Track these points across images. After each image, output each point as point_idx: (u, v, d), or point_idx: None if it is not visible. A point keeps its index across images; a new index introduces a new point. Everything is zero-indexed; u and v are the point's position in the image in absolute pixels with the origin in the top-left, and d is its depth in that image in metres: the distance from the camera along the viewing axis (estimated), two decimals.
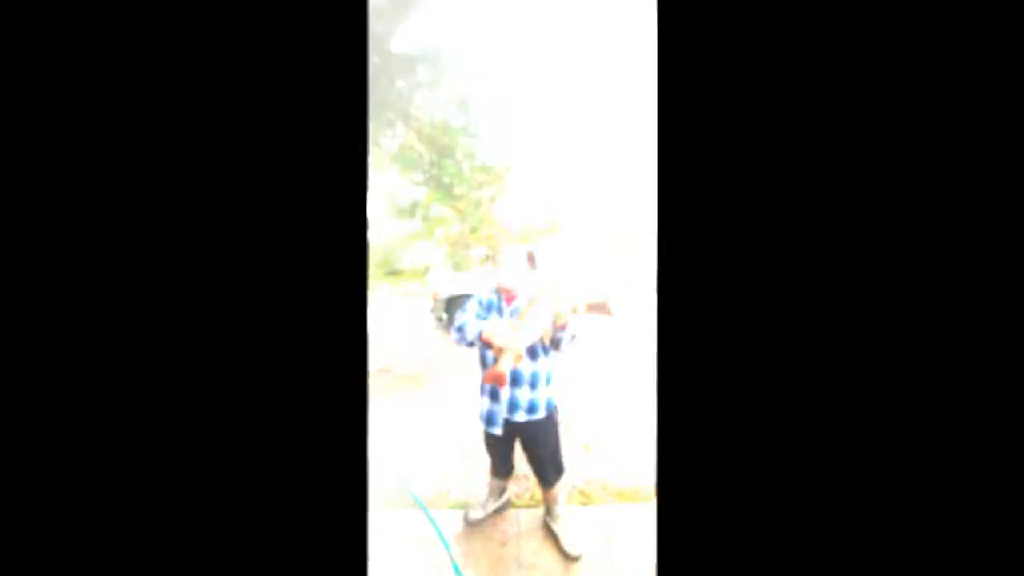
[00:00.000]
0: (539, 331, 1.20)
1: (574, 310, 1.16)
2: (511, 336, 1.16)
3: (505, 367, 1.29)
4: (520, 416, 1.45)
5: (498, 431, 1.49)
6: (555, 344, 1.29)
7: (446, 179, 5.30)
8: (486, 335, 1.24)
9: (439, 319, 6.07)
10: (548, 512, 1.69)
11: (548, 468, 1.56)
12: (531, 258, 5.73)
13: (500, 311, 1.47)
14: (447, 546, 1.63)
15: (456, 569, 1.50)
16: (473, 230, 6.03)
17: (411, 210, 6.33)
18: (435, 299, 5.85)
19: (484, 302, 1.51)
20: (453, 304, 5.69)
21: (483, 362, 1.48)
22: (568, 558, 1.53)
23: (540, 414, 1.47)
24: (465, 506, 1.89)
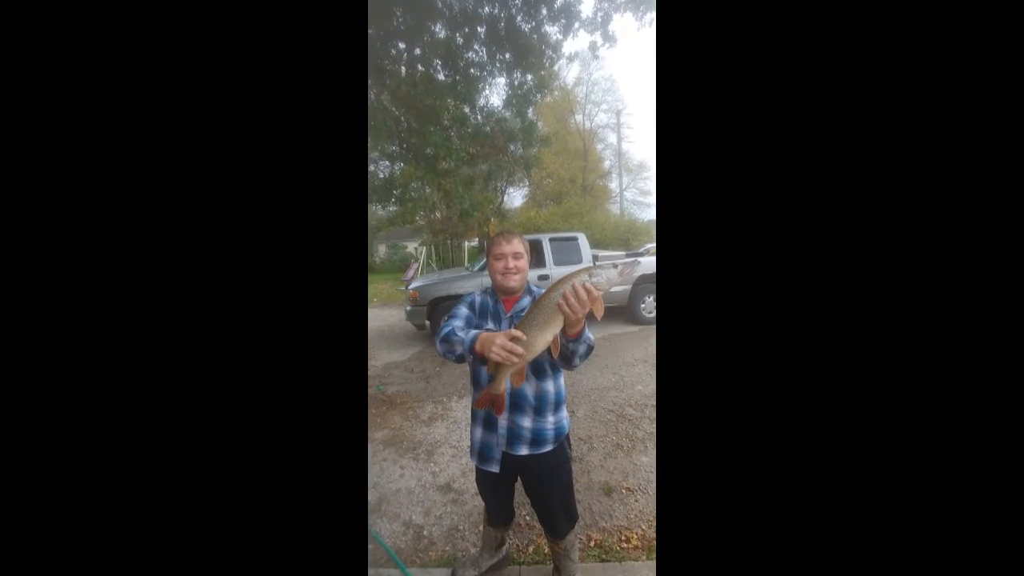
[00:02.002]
0: (546, 342, 1.18)
1: (591, 312, 1.13)
2: (511, 348, 1.13)
3: (503, 388, 1.27)
4: (522, 449, 1.44)
5: (495, 468, 1.48)
6: (566, 359, 1.27)
7: (429, 150, 5.24)
8: (479, 347, 1.22)
9: (420, 326, 6.10)
10: (558, 569, 1.68)
11: (558, 514, 1.55)
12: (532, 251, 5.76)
13: (497, 316, 1.46)
14: None
15: None
16: (463, 215, 5.97)
17: (385, 190, 6.29)
18: (414, 301, 5.84)
19: (476, 305, 1.50)
20: (437, 307, 5.72)
21: (475, 381, 1.47)
22: None
23: (547, 447, 1.46)
24: (454, 562, 1.88)
